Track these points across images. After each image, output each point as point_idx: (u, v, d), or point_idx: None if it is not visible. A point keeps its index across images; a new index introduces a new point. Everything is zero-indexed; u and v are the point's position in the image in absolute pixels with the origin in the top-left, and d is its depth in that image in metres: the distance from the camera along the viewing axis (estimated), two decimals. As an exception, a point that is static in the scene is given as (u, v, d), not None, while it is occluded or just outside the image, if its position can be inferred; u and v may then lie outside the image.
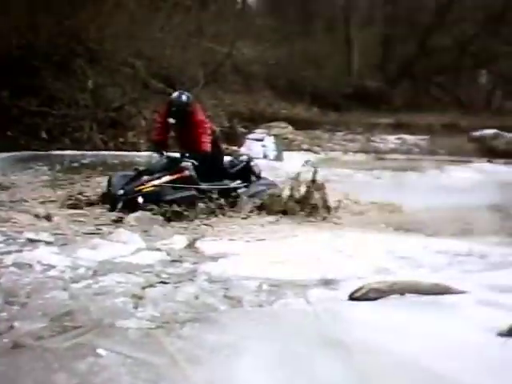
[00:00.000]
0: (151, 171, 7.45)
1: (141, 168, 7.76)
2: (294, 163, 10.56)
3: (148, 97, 14.03)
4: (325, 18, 27.07)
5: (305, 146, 15.54)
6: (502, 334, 3.77)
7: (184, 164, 7.49)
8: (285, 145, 13.32)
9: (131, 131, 13.06)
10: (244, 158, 8.46)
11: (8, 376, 3.20)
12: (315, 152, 14.93)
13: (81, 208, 7.11)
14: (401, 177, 11.97)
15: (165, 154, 7.70)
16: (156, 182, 7.21)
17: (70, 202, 7.40)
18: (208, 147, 7.66)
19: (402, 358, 3.65)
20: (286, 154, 11.84)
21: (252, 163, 8.35)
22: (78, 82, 12.71)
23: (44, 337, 3.61)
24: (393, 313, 4.36)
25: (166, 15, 15.39)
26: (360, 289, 4.63)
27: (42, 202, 7.22)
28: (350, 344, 3.81)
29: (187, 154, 7.63)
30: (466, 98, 26.72)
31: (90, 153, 11.62)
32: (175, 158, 7.63)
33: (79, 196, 7.55)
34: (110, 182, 7.46)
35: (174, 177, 7.32)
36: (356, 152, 15.57)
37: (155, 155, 7.85)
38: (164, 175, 7.31)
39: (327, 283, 4.90)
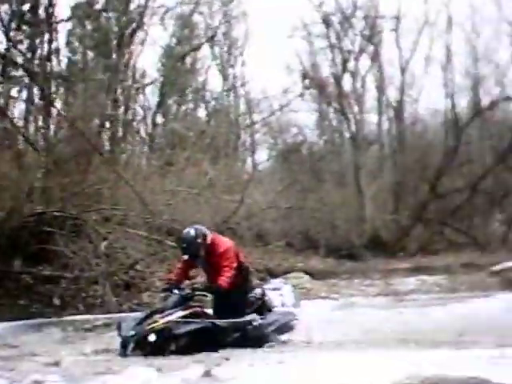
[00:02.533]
0: (162, 309, 7.21)
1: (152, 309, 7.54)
2: (312, 309, 10.33)
3: (162, 256, 14.01)
4: (334, 174, 27.56)
5: (322, 294, 15.25)
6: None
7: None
8: (302, 294, 13.09)
9: (146, 292, 12.92)
10: (258, 291, 8.23)
11: None
12: (334, 299, 14.61)
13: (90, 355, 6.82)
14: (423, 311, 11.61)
15: (175, 291, 7.46)
16: (168, 319, 6.94)
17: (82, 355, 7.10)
18: (226, 283, 7.34)
19: None
20: (303, 302, 11.51)
21: (266, 297, 8.12)
22: (92, 245, 12.74)
23: None
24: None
25: (178, 171, 15.76)
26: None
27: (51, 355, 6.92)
28: None
29: (199, 287, 7.43)
30: (481, 237, 26.53)
31: (103, 316, 11.40)
32: (186, 294, 7.40)
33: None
34: (119, 326, 7.21)
35: (187, 312, 7.07)
36: (375, 295, 15.20)
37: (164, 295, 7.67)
38: (176, 311, 7.05)
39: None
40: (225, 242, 7.77)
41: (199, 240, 7.52)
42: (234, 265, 7.53)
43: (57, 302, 12.02)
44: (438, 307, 11.56)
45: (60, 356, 6.60)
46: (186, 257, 7.59)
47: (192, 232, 7.61)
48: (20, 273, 12.21)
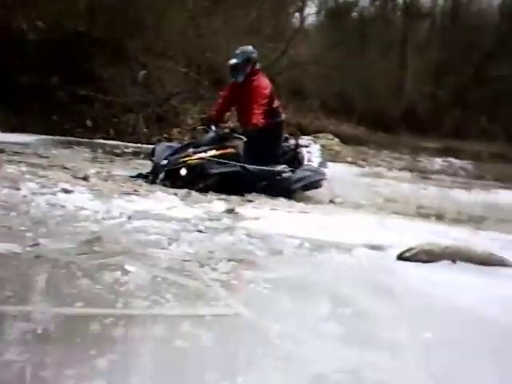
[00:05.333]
0: (198, 145, 7.16)
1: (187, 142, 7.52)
2: (337, 172, 10.28)
3: (198, 94, 13.90)
4: (381, 41, 26.79)
5: (349, 159, 15.22)
6: None
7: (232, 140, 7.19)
8: (330, 155, 13.03)
9: (177, 128, 12.91)
10: (292, 142, 8.14)
11: (26, 276, 2.97)
12: (360, 165, 14.58)
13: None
14: (446, 192, 11.56)
15: (213, 128, 7.40)
16: (201, 155, 6.90)
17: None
18: (259, 120, 7.16)
19: (456, 304, 3.35)
20: (330, 164, 11.47)
21: (298, 150, 8.03)
22: (130, 72, 12.62)
23: (70, 254, 3.37)
24: (446, 272, 4.04)
25: (225, 11, 15.39)
26: (410, 249, 4.31)
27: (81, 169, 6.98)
28: (400, 290, 3.53)
29: (237, 129, 7.35)
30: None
31: (133, 144, 11.48)
32: (224, 133, 7.34)
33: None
34: (153, 151, 7.21)
35: (220, 152, 7.01)
36: (401, 169, 15.14)
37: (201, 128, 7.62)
38: (210, 149, 6.98)
39: (374, 247, 4.56)
40: (264, 79, 7.52)
41: (254, 55, 7.37)
42: (265, 102, 7.28)
43: (89, 123, 12.09)
44: (461, 190, 11.51)
45: (89, 171, 6.66)
46: (232, 61, 7.36)
47: (250, 47, 7.49)
48: (56, 88, 12.15)
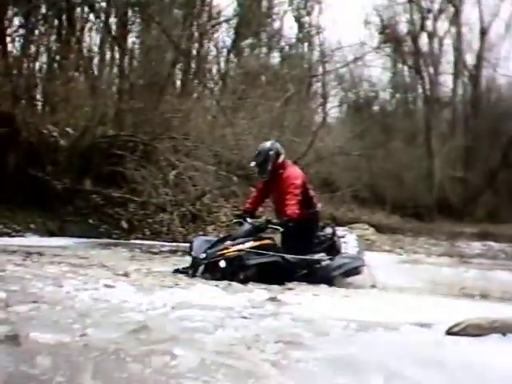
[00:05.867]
0: (235, 237, 7.20)
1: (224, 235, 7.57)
2: (376, 260, 10.22)
3: (229, 191, 14.11)
4: (405, 132, 27.12)
5: (386, 248, 15.13)
6: None
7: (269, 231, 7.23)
8: (366, 245, 12.97)
9: (211, 225, 13.03)
10: (328, 231, 8.13)
11: (76, 363, 2.96)
12: (397, 253, 14.46)
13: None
14: (488, 273, 11.38)
15: (249, 220, 7.45)
16: (239, 247, 6.93)
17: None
18: (294, 211, 7.16)
19: (509, 374, 3.27)
20: (367, 253, 11.39)
21: (335, 238, 8.02)
22: (161, 173, 12.91)
23: (117, 342, 3.37)
24: (497, 345, 3.94)
25: (250, 108, 15.80)
26: (459, 324, 4.22)
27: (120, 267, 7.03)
28: (451, 363, 3.44)
29: (273, 220, 7.40)
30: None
31: (169, 243, 11.57)
32: (260, 225, 7.38)
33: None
34: (191, 245, 7.26)
35: (258, 243, 7.02)
36: (440, 255, 14.97)
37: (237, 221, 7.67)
38: (247, 241, 7.02)
39: (422, 324, 4.49)
40: (293, 169, 7.59)
41: (271, 153, 7.39)
42: (298, 192, 7.28)
43: (124, 225, 12.25)
44: (503, 272, 11.29)
45: (129, 269, 6.71)
46: (252, 163, 7.51)
47: (268, 144, 7.56)
48: (90, 192, 12.44)
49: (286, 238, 7.31)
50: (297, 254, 7.21)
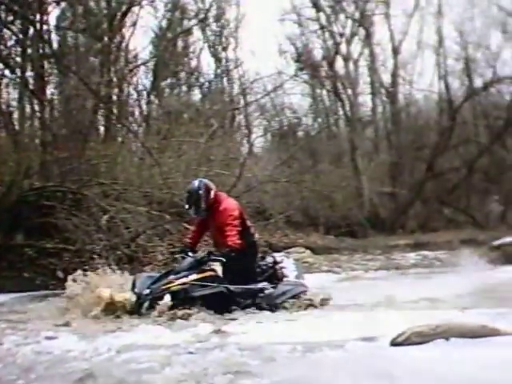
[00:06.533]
0: (178, 271, 7.18)
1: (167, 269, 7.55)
2: (316, 281, 10.32)
3: (164, 230, 14.03)
4: (331, 154, 27.54)
5: (324, 268, 15.25)
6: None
7: (211, 263, 7.23)
8: (304, 267, 13.05)
9: (148, 265, 12.90)
10: (269, 260, 8.20)
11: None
12: (336, 272, 14.61)
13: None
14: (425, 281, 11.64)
15: (190, 254, 7.45)
16: (183, 280, 6.91)
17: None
18: (235, 242, 7.23)
19: (456, 376, 3.37)
20: (306, 275, 11.48)
21: (276, 266, 8.10)
22: (93, 219, 12.73)
23: (65, 393, 3.32)
24: (441, 350, 4.05)
25: (176, 146, 15.86)
26: (402, 334, 4.32)
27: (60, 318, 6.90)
28: (398, 372, 3.52)
29: (215, 252, 7.41)
30: (479, 216, 26.65)
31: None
32: (202, 257, 7.37)
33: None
34: (134, 283, 7.19)
35: (202, 275, 7.02)
36: (377, 269, 15.22)
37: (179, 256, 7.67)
38: (190, 274, 7.01)
39: (365, 339, 4.58)
40: (229, 201, 7.65)
41: (201, 192, 7.43)
42: (237, 223, 7.35)
43: (60, 274, 11.96)
44: (441, 279, 11.57)
45: (69, 318, 6.59)
46: (186, 207, 7.54)
47: (196, 183, 7.58)
48: (23, 246, 12.20)
49: (228, 270, 7.31)
50: (239, 284, 7.26)
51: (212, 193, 7.51)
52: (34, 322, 6.38)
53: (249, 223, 7.80)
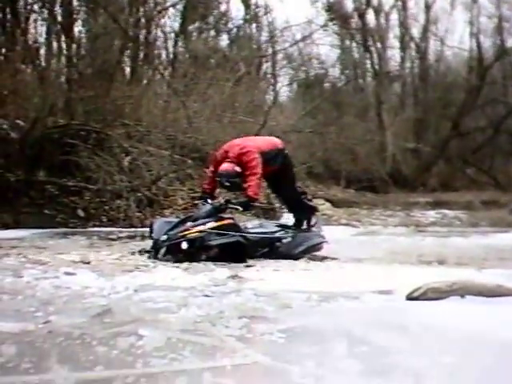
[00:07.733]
0: (195, 218, 7.18)
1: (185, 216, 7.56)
2: (334, 234, 10.32)
3: (185, 174, 14.06)
4: (356, 107, 27.31)
5: (343, 221, 15.29)
6: None
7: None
8: (323, 220, 13.07)
9: (168, 209, 12.97)
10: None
11: (42, 349, 2.96)
12: (355, 226, 14.63)
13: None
14: (444, 240, 11.59)
15: (209, 201, 7.44)
16: (200, 228, 6.91)
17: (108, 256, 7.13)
18: (254, 192, 7.13)
19: (469, 332, 3.39)
20: (324, 227, 11.49)
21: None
22: (115, 160, 12.79)
23: (82, 326, 3.37)
24: (456, 307, 4.06)
25: (201, 91, 15.80)
26: (418, 288, 4.33)
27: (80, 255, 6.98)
28: (412, 326, 3.55)
29: (233, 201, 7.40)
30: (502, 177, 26.41)
31: (126, 229, 11.48)
32: (220, 205, 7.37)
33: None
34: (152, 228, 7.23)
35: (219, 223, 7.00)
36: (396, 226, 15.20)
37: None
38: (209, 221, 6.98)
39: (382, 292, 4.59)
40: (256, 152, 7.27)
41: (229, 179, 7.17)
42: (258, 171, 7.16)
43: (81, 213, 12.13)
44: (459, 238, 11.52)
45: (88, 256, 6.66)
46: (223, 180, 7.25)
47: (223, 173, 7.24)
48: (44, 183, 12.27)
49: None
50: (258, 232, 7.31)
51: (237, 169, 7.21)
52: (53, 258, 6.45)
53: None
